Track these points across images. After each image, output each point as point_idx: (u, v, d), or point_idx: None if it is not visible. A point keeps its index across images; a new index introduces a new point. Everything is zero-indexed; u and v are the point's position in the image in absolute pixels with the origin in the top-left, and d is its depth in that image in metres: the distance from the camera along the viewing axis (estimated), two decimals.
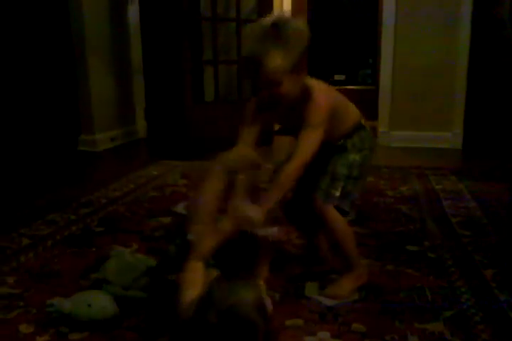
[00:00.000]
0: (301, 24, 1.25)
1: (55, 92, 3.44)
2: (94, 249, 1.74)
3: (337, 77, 6.04)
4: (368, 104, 4.99)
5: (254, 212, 1.20)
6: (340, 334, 1.20)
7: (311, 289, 1.43)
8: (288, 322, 1.25)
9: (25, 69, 3.15)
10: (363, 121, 1.49)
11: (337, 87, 4.02)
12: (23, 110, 3.09)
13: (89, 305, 1.20)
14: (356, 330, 1.22)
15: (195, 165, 3.10)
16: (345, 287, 1.41)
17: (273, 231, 1.29)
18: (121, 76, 3.91)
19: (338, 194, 1.37)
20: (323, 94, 1.33)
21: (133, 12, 3.95)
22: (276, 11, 4.28)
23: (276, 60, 1.18)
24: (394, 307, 1.32)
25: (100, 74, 3.64)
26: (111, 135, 3.74)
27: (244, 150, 1.38)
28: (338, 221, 1.38)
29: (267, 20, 1.20)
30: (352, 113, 1.48)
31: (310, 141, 1.29)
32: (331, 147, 1.42)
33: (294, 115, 1.33)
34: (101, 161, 3.41)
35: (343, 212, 1.39)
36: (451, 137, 3.59)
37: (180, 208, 2.20)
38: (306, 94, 1.30)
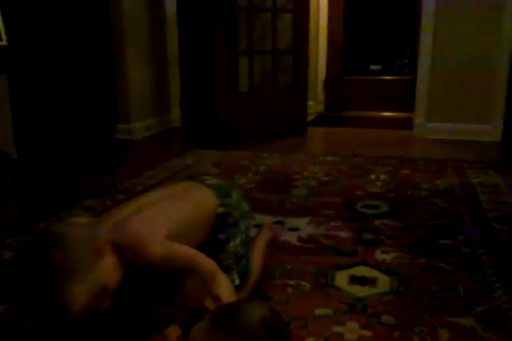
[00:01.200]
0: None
1: (94, 82, 3.52)
2: None
3: (373, 67, 5.95)
4: (404, 95, 4.92)
5: None
6: (370, 326, 1.20)
7: (340, 279, 1.44)
8: (317, 312, 1.26)
9: (65, 60, 3.23)
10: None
11: (372, 78, 3.97)
12: (63, 99, 3.18)
13: None
14: (386, 322, 1.22)
15: (227, 154, 3.14)
16: None
17: None
18: (158, 66, 3.97)
19: (237, 282, 1.25)
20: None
21: (170, 2, 3.99)
22: (312, 1, 4.24)
23: None
24: (425, 300, 1.32)
25: (137, 64, 3.70)
26: (146, 124, 3.82)
27: None
28: None
29: None
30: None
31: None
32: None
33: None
34: (136, 149, 3.48)
35: None
36: (490, 129, 3.49)
37: None
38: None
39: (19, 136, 2.75)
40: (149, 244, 1.02)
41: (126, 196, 2.25)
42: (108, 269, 0.98)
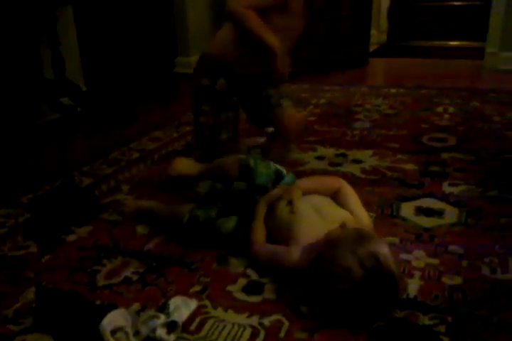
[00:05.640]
0: None
1: (154, 16, 3.48)
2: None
3: None
4: (475, 23, 4.56)
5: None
6: (437, 254, 1.21)
7: (406, 210, 1.44)
8: None
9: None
10: None
11: (441, 3, 3.65)
12: (125, 34, 3.18)
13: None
14: (453, 251, 1.22)
15: (286, 86, 3.07)
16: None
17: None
18: None
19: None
20: None
21: None
22: None
23: None
24: (494, 231, 1.31)
25: None
26: None
27: None
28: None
29: None
30: None
31: None
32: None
33: None
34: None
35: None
36: None
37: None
38: None
39: (87, 68, 2.81)
40: None
41: (190, 128, 2.29)
42: None
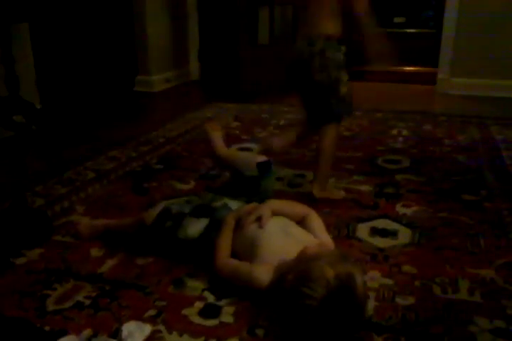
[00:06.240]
0: None
1: (114, 34, 3.46)
2: (155, 184, 1.83)
3: (396, 20, 5.73)
4: (428, 49, 4.77)
5: None
6: (391, 275, 1.24)
7: (362, 231, 1.47)
8: None
9: (87, 13, 3.17)
10: None
11: (395, 30, 3.80)
12: (84, 51, 3.15)
13: None
14: (407, 272, 1.25)
15: (247, 107, 3.12)
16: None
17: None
18: (177, 18, 3.87)
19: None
20: None
21: None
22: None
23: None
24: (446, 252, 1.34)
25: (156, 16, 3.62)
26: (166, 76, 3.78)
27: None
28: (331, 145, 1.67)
29: None
30: None
31: None
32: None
33: None
34: (157, 101, 3.47)
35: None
36: None
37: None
38: None
39: (42, 86, 2.75)
40: None
41: (149, 147, 2.28)
42: None
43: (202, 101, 3.30)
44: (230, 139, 2.42)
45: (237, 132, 2.56)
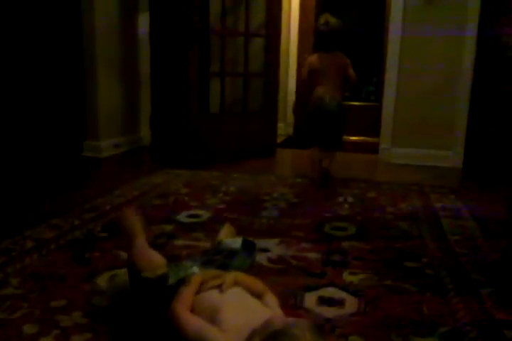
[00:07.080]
0: None
1: (63, 99, 3.49)
2: (97, 254, 1.77)
3: None
4: (371, 121, 5.07)
5: None
6: None
7: (309, 300, 1.46)
8: None
9: (34, 77, 3.20)
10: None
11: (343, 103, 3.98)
12: (31, 115, 3.14)
13: None
14: None
15: (197, 174, 3.14)
16: None
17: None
18: (128, 85, 3.97)
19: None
20: None
21: (142, 23, 4.02)
22: (283, 27, 4.36)
23: None
24: (391, 321, 1.35)
25: (108, 83, 3.69)
26: (115, 141, 3.79)
27: None
28: None
29: None
30: None
31: None
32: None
33: None
34: (105, 167, 3.44)
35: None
36: (451, 156, 3.63)
37: (182, 216, 2.23)
38: None
39: None
40: None
41: (94, 215, 2.22)
42: None
43: (152, 167, 3.31)
44: (179, 205, 2.43)
45: (187, 198, 2.56)
